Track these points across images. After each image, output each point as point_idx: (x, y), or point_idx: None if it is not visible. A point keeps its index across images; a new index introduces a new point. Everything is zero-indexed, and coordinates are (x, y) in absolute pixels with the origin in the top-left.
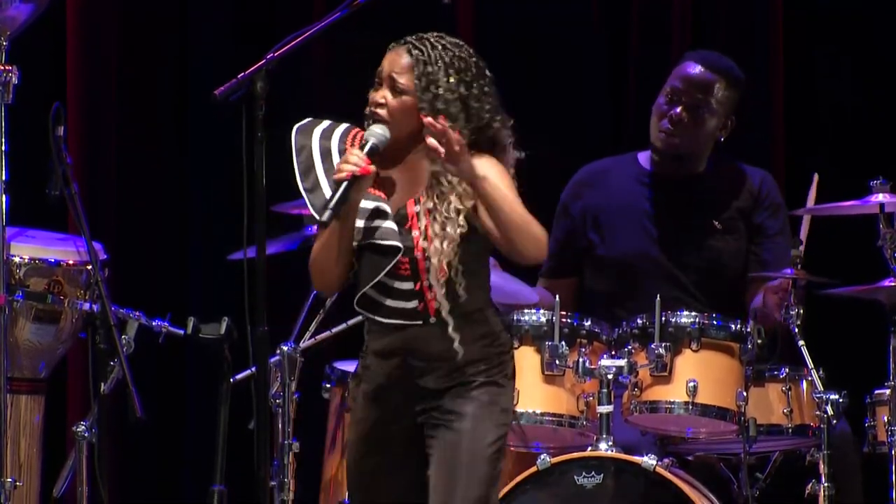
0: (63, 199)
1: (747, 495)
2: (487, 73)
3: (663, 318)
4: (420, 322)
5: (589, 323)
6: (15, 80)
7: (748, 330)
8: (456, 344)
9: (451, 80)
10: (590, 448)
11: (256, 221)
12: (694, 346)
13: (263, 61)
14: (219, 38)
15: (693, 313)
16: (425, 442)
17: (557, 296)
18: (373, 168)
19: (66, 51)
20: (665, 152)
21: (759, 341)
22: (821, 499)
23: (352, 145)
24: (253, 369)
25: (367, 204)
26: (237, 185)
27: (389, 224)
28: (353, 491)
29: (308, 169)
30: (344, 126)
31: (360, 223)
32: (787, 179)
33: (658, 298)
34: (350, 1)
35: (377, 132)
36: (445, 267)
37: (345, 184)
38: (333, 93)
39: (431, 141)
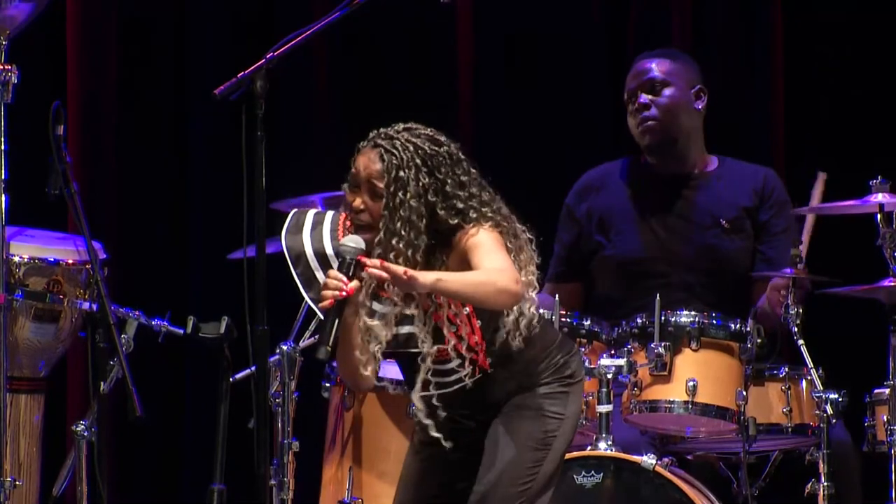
0: (63, 198)
1: (747, 494)
2: (462, 156)
3: (663, 318)
4: (480, 375)
5: (588, 322)
6: (14, 79)
7: (748, 329)
8: (506, 380)
9: (422, 183)
10: (589, 447)
11: (256, 221)
12: (693, 346)
13: (263, 60)
14: (218, 38)
15: (693, 312)
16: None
17: (557, 295)
18: (355, 285)
19: (66, 50)
20: (653, 144)
21: (759, 340)
22: (820, 498)
23: (345, 236)
24: (253, 368)
25: (385, 307)
26: (237, 185)
27: (410, 329)
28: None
29: (310, 280)
30: (330, 217)
31: (385, 330)
32: (788, 179)
33: (658, 297)
34: (350, 0)
35: (350, 247)
36: (479, 338)
37: (330, 314)
38: (334, 93)
39: (373, 271)
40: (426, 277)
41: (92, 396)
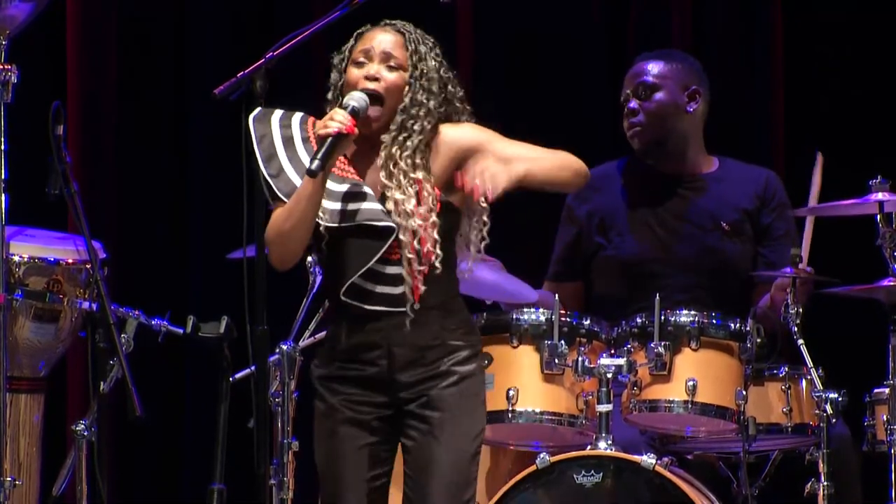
0: (63, 198)
1: (746, 494)
2: None
3: (662, 317)
4: (403, 309)
5: (588, 322)
6: (14, 79)
7: (747, 329)
8: (438, 331)
9: (436, 61)
10: (589, 447)
11: (256, 220)
12: (693, 345)
13: (263, 60)
14: (218, 38)
15: (692, 312)
16: (404, 432)
17: (557, 295)
18: (356, 129)
19: (66, 50)
20: (641, 149)
21: (759, 340)
22: (820, 498)
23: (313, 131)
24: (252, 368)
25: (343, 186)
26: (237, 184)
27: (375, 205)
28: (326, 484)
29: (271, 156)
30: (299, 114)
31: (339, 205)
32: (788, 180)
33: (657, 297)
34: (350, 0)
35: (357, 96)
36: (431, 247)
37: (330, 139)
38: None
39: (474, 182)
40: (516, 173)
41: (92, 396)
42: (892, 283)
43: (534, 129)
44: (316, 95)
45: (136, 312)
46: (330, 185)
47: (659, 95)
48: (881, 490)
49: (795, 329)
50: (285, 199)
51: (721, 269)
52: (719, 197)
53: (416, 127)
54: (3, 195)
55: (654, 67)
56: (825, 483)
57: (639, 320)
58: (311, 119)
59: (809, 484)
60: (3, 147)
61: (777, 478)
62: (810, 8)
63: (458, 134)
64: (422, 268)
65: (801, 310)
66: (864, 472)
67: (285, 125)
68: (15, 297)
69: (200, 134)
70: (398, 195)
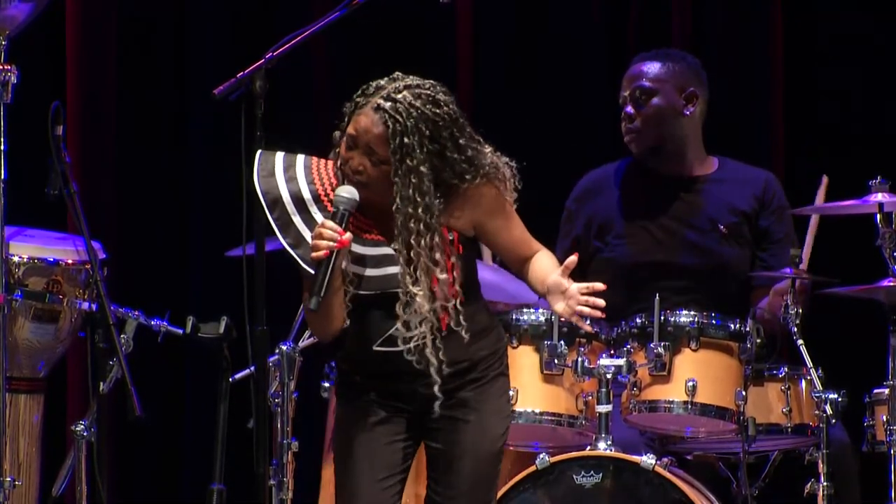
0: (62, 198)
1: (746, 494)
2: (459, 113)
3: (662, 318)
4: (440, 335)
5: (588, 322)
6: (14, 79)
7: (747, 329)
8: (466, 347)
9: (426, 149)
10: (588, 447)
11: (255, 220)
12: (693, 346)
13: (263, 60)
14: (218, 38)
15: (692, 312)
16: (429, 434)
17: None
18: (349, 237)
19: (66, 50)
20: (638, 154)
21: (759, 340)
22: (819, 498)
23: (320, 180)
24: (252, 368)
25: (368, 249)
26: (237, 184)
27: (392, 270)
28: (343, 484)
29: (287, 225)
30: (301, 157)
31: (364, 270)
32: (787, 180)
33: (657, 297)
34: (350, 0)
35: (344, 198)
36: (456, 289)
37: (323, 263)
38: (333, 92)
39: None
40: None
41: (91, 396)
42: (892, 284)
43: (534, 129)
44: (316, 95)
45: (136, 313)
46: (355, 247)
47: (656, 100)
48: (881, 490)
49: (795, 329)
50: (311, 270)
51: (719, 272)
52: (718, 199)
53: (419, 228)
54: (2, 195)
55: (650, 70)
56: (825, 483)
57: (638, 321)
58: (314, 164)
59: (809, 484)
60: (3, 147)
61: (777, 478)
62: (810, 8)
63: (491, 198)
64: (448, 305)
65: (800, 310)
66: (864, 472)
67: (291, 177)
68: (14, 298)
69: (200, 134)
70: (410, 276)
